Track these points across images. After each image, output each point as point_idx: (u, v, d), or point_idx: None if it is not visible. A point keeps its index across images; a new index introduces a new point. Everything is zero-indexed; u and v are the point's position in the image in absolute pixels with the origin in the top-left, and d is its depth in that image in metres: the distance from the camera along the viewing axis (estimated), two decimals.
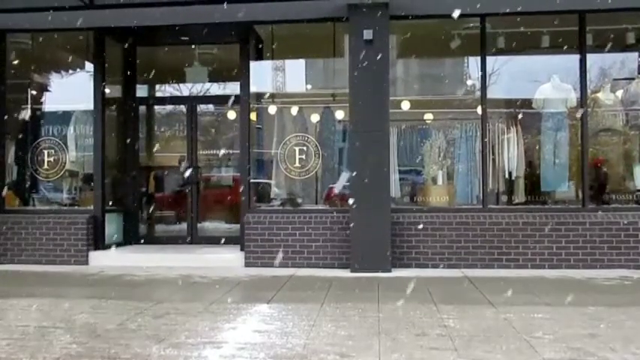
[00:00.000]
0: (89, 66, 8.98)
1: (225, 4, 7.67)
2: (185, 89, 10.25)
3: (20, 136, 9.27)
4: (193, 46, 9.72)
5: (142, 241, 9.45)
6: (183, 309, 5.39)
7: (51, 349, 4.11)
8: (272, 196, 9.04)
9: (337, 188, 8.65)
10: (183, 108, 9.92)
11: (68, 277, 7.44)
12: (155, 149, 10.31)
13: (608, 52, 8.94)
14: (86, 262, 8.37)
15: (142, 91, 9.97)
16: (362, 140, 7.61)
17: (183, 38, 9.13)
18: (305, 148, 8.69)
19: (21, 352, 4.06)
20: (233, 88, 9.13)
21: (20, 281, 7.25)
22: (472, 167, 8.49)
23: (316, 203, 8.92)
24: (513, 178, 8.47)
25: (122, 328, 4.72)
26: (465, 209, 8.20)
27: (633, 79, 8.69)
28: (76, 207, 9.06)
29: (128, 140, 9.44)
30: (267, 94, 9.41)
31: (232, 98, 8.94)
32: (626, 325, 4.75)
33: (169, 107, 10.58)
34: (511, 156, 8.44)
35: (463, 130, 8.65)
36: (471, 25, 8.41)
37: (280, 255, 7.95)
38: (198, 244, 9.29)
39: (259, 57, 9.19)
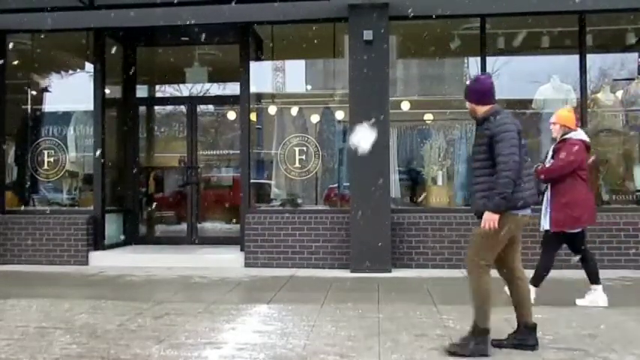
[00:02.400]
0: (89, 66, 8.98)
1: (225, 5, 7.67)
2: (185, 89, 10.25)
3: (20, 136, 9.27)
4: (193, 47, 9.71)
5: (142, 241, 9.45)
6: (183, 309, 5.39)
7: (51, 350, 4.11)
8: (272, 196, 9.04)
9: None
10: (183, 108, 9.92)
11: (68, 278, 7.44)
12: (155, 149, 10.31)
13: (608, 52, 8.95)
14: (86, 263, 8.36)
15: (141, 91, 9.98)
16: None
17: (183, 38, 9.14)
18: (305, 148, 8.69)
19: (21, 352, 4.07)
20: (233, 89, 9.14)
21: (20, 281, 7.24)
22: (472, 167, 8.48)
23: (316, 204, 8.93)
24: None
25: (122, 328, 4.72)
26: (465, 209, 8.19)
27: (633, 79, 8.68)
28: (76, 207, 9.05)
29: (128, 140, 9.45)
30: (267, 95, 9.42)
31: (232, 99, 8.95)
32: (626, 325, 4.75)
33: (169, 107, 10.59)
34: None
35: (463, 130, 8.65)
36: (471, 25, 8.41)
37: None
38: (198, 244, 9.29)
39: (259, 57, 9.19)
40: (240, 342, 4.31)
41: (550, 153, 5.54)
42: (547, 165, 5.47)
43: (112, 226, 9.01)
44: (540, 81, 8.48)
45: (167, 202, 10.21)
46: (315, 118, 9.17)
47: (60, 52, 9.57)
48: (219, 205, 10.25)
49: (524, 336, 4.07)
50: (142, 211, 9.76)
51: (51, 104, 9.50)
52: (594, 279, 5.52)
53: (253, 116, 8.88)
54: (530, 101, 8.53)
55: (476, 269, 4.03)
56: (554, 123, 5.55)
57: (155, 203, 10.06)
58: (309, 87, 10.13)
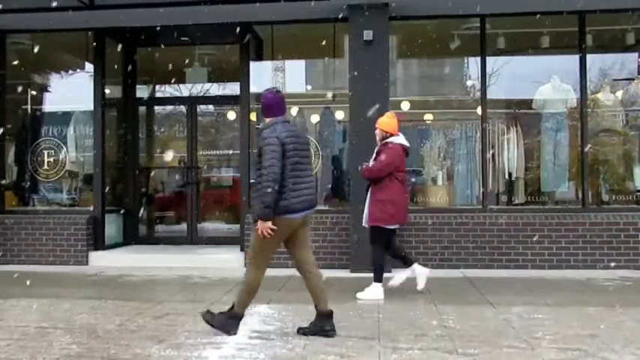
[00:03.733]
0: (89, 66, 8.97)
1: (225, 5, 7.66)
2: (185, 90, 10.24)
3: (20, 136, 9.26)
4: (193, 47, 9.71)
5: (142, 241, 9.44)
6: (183, 309, 5.39)
7: (51, 350, 4.11)
8: None
9: None
10: (183, 108, 9.92)
11: (68, 278, 7.44)
12: (155, 150, 10.31)
13: (608, 52, 8.95)
14: (86, 263, 8.36)
15: (141, 91, 9.97)
16: (362, 140, 7.60)
17: (183, 38, 9.12)
18: None
19: (21, 352, 4.07)
20: (233, 89, 9.14)
21: (20, 281, 7.24)
22: (472, 168, 8.48)
23: (316, 204, 8.89)
24: (513, 178, 8.46)
25: (122, 328, 4.72)
26: (464, 210, 8.19)
27: (633, 79, 8.68)
28: (76, 207, 9.04)
29: (128, 141, 9.44)
30: None
31: (232, 99, 8.94)
32: (626, 325, 4.75)
33: (169, 108, 10.58)
34: (511, 156, 8.43)
35: (463, 130, 8.64)
36: (471, 25, 8.40)
37: None
38: (198, 244, 9.28)
39: (259, 57, 9.18)
40: (240, 342, 4.31)
41: (374, 155, 6.10)
42: (370, 166, 6.05)
43: (112, 226, 9.01)
44: (540, 81, 8.47)
45: (167, 202, 10.21)
46: (315, 118, 9.17)
47: (60, 52, 9.57)
48: (219, 205, 10.25)
49: (322, 322, 4.45)
50: (142, 211, 9.75)
51: (51, 104, 9.49)
52: (379, 277, 6.05)
53: (253, 116, 8.86)
54: (531, 101, 8.53)
55: (250, 267, 4.53)
56: (375, 128, 6.09)
57: (155, 203, 10.06)
58: (309, 87, 10.12)
